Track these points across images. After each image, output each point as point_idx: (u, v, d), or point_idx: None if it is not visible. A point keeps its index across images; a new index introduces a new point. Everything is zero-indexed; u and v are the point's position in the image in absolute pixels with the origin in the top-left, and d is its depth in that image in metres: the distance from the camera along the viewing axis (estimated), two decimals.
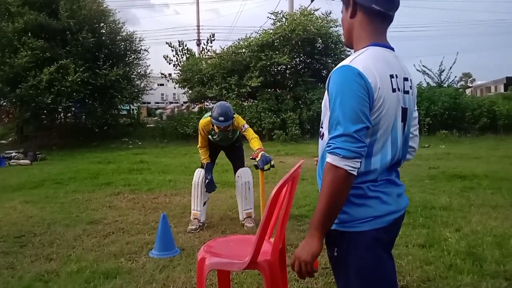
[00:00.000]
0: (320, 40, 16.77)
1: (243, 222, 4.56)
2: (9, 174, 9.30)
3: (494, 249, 3.51)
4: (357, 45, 1.50)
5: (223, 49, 17.58)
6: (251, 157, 4.44)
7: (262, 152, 4.36)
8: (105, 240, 4.18)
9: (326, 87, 1.44)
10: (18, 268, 3.47)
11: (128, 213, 5.26)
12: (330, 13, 17.33)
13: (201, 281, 2.20)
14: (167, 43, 18.73)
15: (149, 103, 34.83)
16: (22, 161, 11.48)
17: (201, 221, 4.50)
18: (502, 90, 27.89)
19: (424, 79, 19.06)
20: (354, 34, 1.51)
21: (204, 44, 19.94)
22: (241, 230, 4.42)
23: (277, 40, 16.14)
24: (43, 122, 16.98)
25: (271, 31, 16.66)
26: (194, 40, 26.08)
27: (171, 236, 3.85)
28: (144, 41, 18.51)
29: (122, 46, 17.74)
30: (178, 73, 18.90)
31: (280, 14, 17.81)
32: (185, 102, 23.20)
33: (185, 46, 19.07)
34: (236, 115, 4.52)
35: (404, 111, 1.47)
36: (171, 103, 41.68)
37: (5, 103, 16.91)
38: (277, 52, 16.05)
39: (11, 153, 12.41)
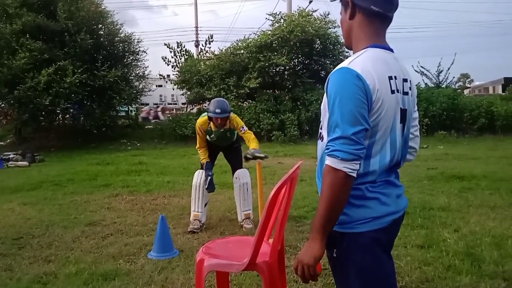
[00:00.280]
0: (319, 41, 16.79)
1: (241, 223, 4.56)
2: (7, 175, 9.28)
3: (493, 250, 3.51)
4: (356, 47, 1.50)
5: (222, 50, 17.60)
6: (244, 154, 4.43)
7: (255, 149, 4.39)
8: (104, 242, 4.17)
9: (325, 89, 1.44)
10: (16, 270, 3.46)
11: (127, 215, 5.26)
12: (328, 14, 17.36)
13: (200, 283, 2.20)
14: (165, 44, 18.73)
15: (148, 104, 34.79)
16: (20, 162, 11.46)
17: (202, 222, 4.50)
18: (500, 91, 27.98)
19: (423, 79, 19.08)
20: (353, 35, 1.51)
21: (203, 46, 19.95)
22: (240, 231, 4.42)
23: (276, 41, 16.15)
24: (41, 123, 16.95)
25: (269, 32, 16.67)
26: (192, 41, 26.10)
27: (169, 238, 3.85)
28: (142, 42, 18.54)
29: (120, 48, 17.71)
30: (176, 74, 18.89)
31: (278, 15, 17.84)
32: (183, 104, 23.18)
33: (184, 47, 19.08)
34: (234, 115, 4.53)
35: (403, 112, 1.47)
36: (169, 104, 41.69)
37: (3, 105, 16.86)
38: (275, 53, 16.06)
39: (9, 154, 12.37)
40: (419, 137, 1.70)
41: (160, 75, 20.08)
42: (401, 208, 1.53)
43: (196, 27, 26.61)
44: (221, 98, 4.54)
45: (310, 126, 16.02)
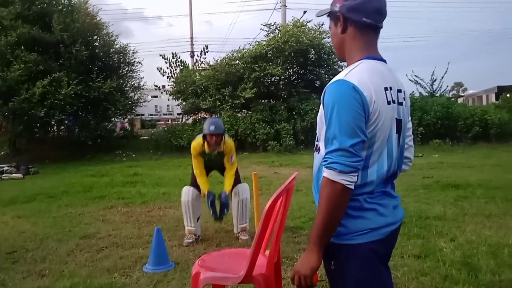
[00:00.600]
0: (313, 51, 16.89)
1: (237, 234, 4.53)
2: (1, 188, 9.20)
3: (489, 259, 3.51)
4: (350, 59, 1.50)
5: (217, 60, 17.67)
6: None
7: (226, 194, 4.41)
8: (98, 255, 4.13)
9: (321, 101, 1.45)
10: (10, 284, 3.41)
11: (122, 227, 5.22)
12: (323, 24, 17.49)
13: None
14: (160, 55, 18.79)
15: (143, 115, 34.74)
16: (14, 175, 11.36)
17: (197, 235, 4.48)
18: (493, 99, 28.20)
19: (417, 88, 19.24)
20: (346, 48, 1.52)
21: (198, 56, 20.03)
22: (236, 243, 4.39)
23: (271, 52, 16.24)
24: (36, 135, 16.88)
25: (264, 42, 16.77)
26: (187, 52, 26.17)
27: (165, 250, 3.81)
28: (137, 53, 18.57)
29: (115, 59, 17.75)
30: (172, 85, 18.92)
31: (273, 25, 17.96)
32: (179, 114, 23.18)
33: (179, 58, 19.14)
34: (230, 140, 4.54)
35: (399, 122, 1.48)
36: (165, 114, 41.65)
37: None
38: (270, 63, 16.14)
39: (3, 167, 12.27)
40: (413, 147, 1.72)
41: (155, 86, 20.11)
42: (398, 219, 1.53)
43: (191, 37, 26.72)
44: (215, 117, 4.56)
45: (306, 136, 16.04)
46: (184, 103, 18.40)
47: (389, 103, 1.43)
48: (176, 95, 18.45)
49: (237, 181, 4.59)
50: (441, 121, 16.42)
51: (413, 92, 18.65)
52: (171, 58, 18.81)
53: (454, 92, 25.00)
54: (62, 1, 16.56)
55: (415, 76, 19.33)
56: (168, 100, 21.93)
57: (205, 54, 19.47)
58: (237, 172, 4.60)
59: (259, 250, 2.02)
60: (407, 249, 3.85)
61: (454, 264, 3.42)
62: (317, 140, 1.51)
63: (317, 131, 1.52)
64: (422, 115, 16.33)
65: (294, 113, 16.51)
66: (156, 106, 45.34)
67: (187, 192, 4.47)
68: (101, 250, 4.29)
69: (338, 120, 1.34)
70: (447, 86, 20.34)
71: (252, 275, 2.00)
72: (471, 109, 17.78)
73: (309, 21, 17.69)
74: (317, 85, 17.57)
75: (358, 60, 1.46)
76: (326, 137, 1.37)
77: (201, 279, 2.14)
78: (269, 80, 17.24)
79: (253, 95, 15.95)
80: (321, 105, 1.45)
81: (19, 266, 3.87)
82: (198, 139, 4.46)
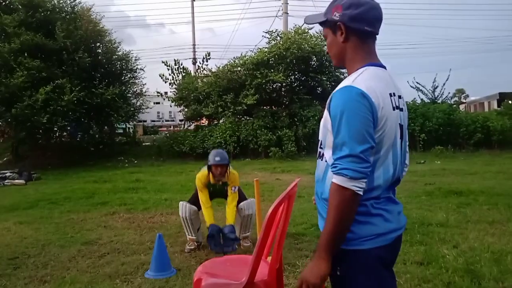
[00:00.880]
0: (315, 58, 16.95)
1: (237, 236, 4.52)
2: (3, 194, 9.21)
3: (492, 266, 3.49)
4: (352, 67, 1.51)
5: (219, 67, 17.72)
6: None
7: (231, 227, 4.26)
8: (100, 261, 4.12)
9: (327, 107, 1.45)
10: None
11: (124, 233, 5.21)
12: None
13: None
14: (163, 62, 18.84)
15: (145, 121, 34.88)
16: (16, 181, 11.38)
17: (199, 242, 4.48)
18: (495, 106, 28.16)
19: (418, 95, 19.25)
20: (347, 56, 1.53)
21: (200, 63, 20.08)
22: (238, 250, 4.38)
23: (272, 59, 16.30)
24: (39, 141, 16.94)
25: (266, 49, 16.84)
26: (190, 59, 26.28)
27: (167, 256, 3.81)
28: (140, 60, 18.74)
29: (118, 65, 17.85)
30: (174, 91, 18.97)
31: (274, 33, 18.04)
32: (181, 120, 23.24)
33: (181, 64, 19.20)
34: (235, 172, 4.54)
35: (401, 128, 1.50)
36: (167, 121, 41.77)
37: (0, 123, 16.87)
38: (272, 70, 16.19)
39: (6, 173, 12.29)
40: (408, 153, 1.72)
41: (157, 92, 20.18)
42: (402, 225, 1.54)
43: (194, 44, 26.85)
44: (219, 149, 4.60)
45: (308, 142, 16.04)
46: (186, 109, 18.46)
47: (394, 108, 1.44)
48: (178, 101, 18.51)
49: (242, 199, 4.59)
50: (443, 127, 16.40)
51: (415, 98, 18.68)
52: (173, 65, 18.89)
53: (456, 98, 25.00)
54: (65, 8, 16.70)
55: (417, 82, 19.37)
56: (170, 106, 22.01)
57: (207, 61, 19.54)
58: (240, 192, 4.59)
59: (261, 257, 2.02)
60: (409, 256, 3.83)
61: (457, 271, 3.41)
62: (321, 147, 1.51)
63: (320, 138, 1.52)
64: (424, 121, 16.33)
65: (296, 119, 16.53)
66: (158, 112, 45.58)
67: (183, 208, 4.45)
68: (103, 256, 4.29)
69: (347, 126, 1.34)
70: (449, 92, 20.36)
71: (254, 281, 1.99)
72: (473, 116, 17.77)
73: (311, 28, 17.75)
74: (318, 91, 17.61)
75: (362, 67, 1.47)
76: (335, 143, 1.37)
77: (203, 286, 2.13)
78: (271, 87, 17.28)
79: (255, 102, 15.99)
80: (326, 112, 1.45)
81: (21, 272, 3.87)
82: (203, 171, 4.46)
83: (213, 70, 18.02)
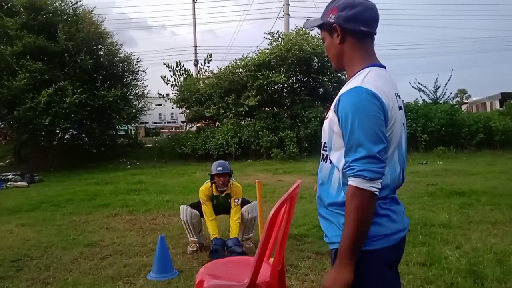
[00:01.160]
0: (316, 59, 16.96)
1: (242, 242, 4.52)
2: (5, 196, 9.23)
3: (495, 267, 3.48)
4: (352, 68, 1.51)
5: (220, 69, 17.76)
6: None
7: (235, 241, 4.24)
8: (103, 263, 4.13)
9: (333, 109, 1.44)
10: None
11: (126, 235, 5.22)
12: None
13: None
14: (164, 63, 18.88)
15: (147, 123, 34.92)
16: (19, 183, 11.41)
17: (201, 243, 4.48)
18: (497, 106, 28.08)
19: (420, 96, 19.23)
20: (346, 58, 1.53)
21: (202, 64, 20.12)
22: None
23: (274, 60, 16.31)
24: (41, 143, 16.97)
25: (267, 51, 16.85)
26: (191, 60, 26.31)
27: (169, 258, 3.81)
28: (141, 62, 18.80)
29: (120, 67, 17.88)
30: (175, 93, 19.01)
31: (276, 34, 18.07)
32: (183, 122, 23.26)
33: (183, 66, 19.24)
34: (237, 184, 4.56)
35: (404, 127, 1.52)
36: (169, 122, 41.83)
37: (2, 125, 16.92)
38: (273, 71, 16.20)
39: (8, 175, 12.32)
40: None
41: (159, 94, 20.22)
42: (406, 226, 1.54)
43: (195, 46, 26.89)
44: (221, 160, 4.63)
45: (309, 143, 16.04)
46: (188, 111, 18.49)
47: (399, 108, 1.46)
48: (180, 103, 18.54)
49: (245, 203, 4.59)
50: (445, 128, 16.38)
51: (416, 99, 18.66)
52: (175, 66, 18.93)
53: (458, 99, 24.98)
54: (67, 11, 16.75)
55: (419, 83, 19.35)
56: (172, 108, 22.00)
57: (208, 63, 19.58)
58: (243, 199, 4.60)
59: (263, 258, 2.02)
60: (412, 257, 3.82)
61: (460, 272, 3.40)
62: (325, 150, 1.50)
63: (324, 140, 1.51)
64: (426, 122, 16.31)
65: (297, 120, 16.53)
66: (160, 114, 45.65)
67: (184, 212, 4.46)
68: (105, 258, 4.29)
69: (362, 127, 1.33)
70: (451, 93, 20.36)
71: (256, 283, 1.99)
72: (475, 116, 17.73)
73: (312, 29, 17.77)
74: (320, 92, 17.61)
75: (364, 68, 1.47)
76: (349, 144, 1.35)
77: (205, 287, 2.13)
78: (272, 88, 17.28)
79: (256, 103, 16.00)
80: (333, 113, 1.44)
81: (23, 274, 3.88)
82: (206, 184, 4.49)
83: (215, 71, 18.06)
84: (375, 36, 1.55)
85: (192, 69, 22.14)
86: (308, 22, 1.68)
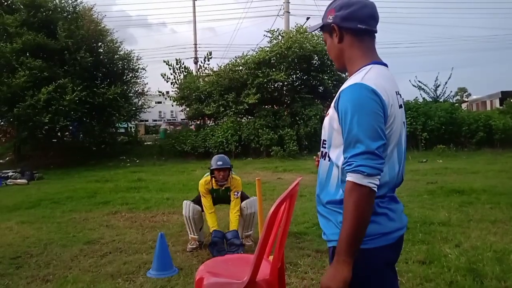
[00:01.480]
0: (316, 57, 16.94)
1: (242, 241, 4.52)
2: (5, 194, 9.23)
3: (495, 265, 3.49)
4: (353, 66, 1.51)
5: (220, 67, 17.74)
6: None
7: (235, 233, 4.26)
8: (102, 260, 4.13)
9: (334, 106, 1.44)
10: None
11: (126, 232, 5.22)
12: None
13: None
14: (164, 61, 18.88)
15: (147, 120, 34.90)
16: (19, 180, 11.42)
17: (201, 241, 4.49)
18: (497, 105, 28.06)
19: (420, 94, 19.22)
20: (346, 56, 1.53)
21: (202, 62, 20.13)
22: None
23: (274, 58, 16.29)
24: (41, 141, 16.96)
25: (267, 48, 16.84)
26: (191, 58, 26.22)
27: (169, 256, 3.81)
28: (141, 59, 18.74)
29: (119, 65, 17.86)
30: (175, 91, 19.00)
31: (276, 32, 18.03)
32: (182, 120, 23.26)
33: (183, 64, 19.23)
34: (237, 177, 4.57)
35: (404, 125, 1.52)
36: (168, 120, 41.81)
37: (2, 123, 16.91)
38: (273, 69, 16.18)
39: (8, 172, 12.33)
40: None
41: (159, 91, 20.22)
42: (405, 224, 1.55)
43: (195, 44, 26.80)
44: (221, 154, 4.63)
45: (309, 141, 16.04)
46: (188, 108, 18.48)
47: (400, 106, 1.46)
48: (180, 101, 18.53)
49: (244, 198, 4.60)
50: (445, 126, 16.37)
51: (416, 97, 18.64)
52: (175, 64, 18.92)
53: (458, 97, 24.91)
54: (67, 8, 16.73)
55: (419, 81, 19.33)
56: (172, 106, 22.02)
57: (208, 60, 19.58)
58: (243, 193, 4.61)
59: (263, 256, 2.02)
60: (411, 255, 3.83)
61: (459, 270, 3.40)
62: (324, 147, 1.50)
63: (323, 138, 1.51)
64: (426, 120, 16.30)
65: (297, 118, 16.52)
66: (160, 112, 45.52)
67: (186, 207, 4.47)
68: (105, 256, 4.30)
69: (361, 123, 1.33)
70: (451, 91, 20.34)
71: (255, 280, 1.99)
72: (475, 115, 17.73)
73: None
74: (320, 90, 17.60)
75: (365, 65, 1.47)
76: (348, 140, 1.35)
77: (204, 285, 2.13)
78: (272, 86, 17.27)
79: (256, 101, 15.99)
80: (333, 110, 1.44)
81: (23, 271, 3.88)
82: (206, 177, 4.49)
83: (215, 69, 18.04)
84: (376, 34, 1.55)
85: (192, 67, 22.12)
86: (312, 26, 1.72)
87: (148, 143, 20.41)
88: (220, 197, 4.54)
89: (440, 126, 16.29)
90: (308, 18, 20.23)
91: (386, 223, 1.42)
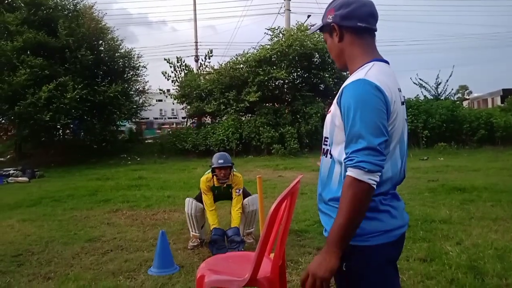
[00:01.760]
0: (317, 55, 16.93)
1: (242, 238, 4.53)
2: (6, 192, 9.25)
3: (496, 263, 3.48)
4: (354, 64, 1.51)
5: (221, 64, 17.71)
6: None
7: (236, 230, 4.26)
8: (104, 258, 4.14)
9: (336, 102, 1.44)
10: (16, 287, 3.42)
11: (127, 230, 5.23)
12: None
13: None
14: (165, 59, 18.84)
15: (148, 118, 34.92)
16: (20, 178, 11.44)
17: (202, 239, 4.49)
18: (498, 102, 28.04)
19: (421, 92, 19.18)
20: (346, 55, 1.54)
21: (202, 60, 20.08)
22: None
23: (275, 55, 16.28)
24: (42, 139, 16.98)
25: (268, 46, 16.82)
26: (192, 56, 26.19)
27: (170, 253, 3.82)
28: (142, 57, 18.70)
29: (120, 63, 17.87)
30: (176, 89, 18.98)
31: (277, 30, 18.02)
32: (183, 118, 23.26)
33: (183, 62, 19.20)
34: (238, 174, 4.56)
35: (405, 122, 1.52)
36: (169, 118, 41.84)
37: (3, 121, 16.93)
38: (274, 67, 16.17)
39: (9, 170, 12.35)
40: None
41: (160, 89, 20.21)
42: (406, 222, 1.54)
43: (196, 42, 26.76)
44: (222, 152, 4.60)
45: (310, 139, 16.04)
46: (188, 106, 18.47)
47: (402, 103, 1.46)
48: (181, 99, 18.52)
49: (246, 195, 4.60)
50: (446, 124, 16.36)
51: (418, 95, 18.63)
52: (175, 62, 18.89)
53: (459, 95, 24.83)
54: (68, 6, 16.73)
55: (420, 79, 19.30)
56: (173, 104, 21.96)
57: (209, 58, 19.54)
58: (244, 190, 4.61)
59: (264, 253, 2.02)
60: (412, 253, 3.83)
61: (460, 268, 3.40)
62: (326, 144, 1.50)
63: (325, 135, 1.51)
64: (427, 118, 16.29)
65: (298, 116, 16.51)
66: (161, 110, 45.65)
67: (189, 205, 4.47)
68: (106, 253, 4.30)
69: (363, 119, 1.32)
70: (452, 89, 20.29)
71: (256, 278, 1.99)
72: (477, 112, 17.71)
73: (313, 25, 17.70)
74: (321, 88, 17.58)
75: (367, 63, 1.46)
76: (350, 136, 1.35)
77: (205, 282, 2.13)
78: (273, 84, 17.26)
79: (257, 99, 15.98)
80: (335, 107, 1.44)
81: (24, 269, 3.89)
82: (207, 174, 4.48)
83: (216, 67, 18.02)
84: (376, 32, 1.55)
85: (193, 65, 22.13)
86: (312, 28, 1.73)
87: (149, 141, 20.42)
88: (222, 194, 4.54)
89: (441, 124, 16.28)
90: (309, 16, 20.21)
91: (388, 221, 1.42)
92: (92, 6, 17.07)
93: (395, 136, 1.42)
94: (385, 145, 1.35)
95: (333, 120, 1.45)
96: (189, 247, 4.37)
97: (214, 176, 4.41)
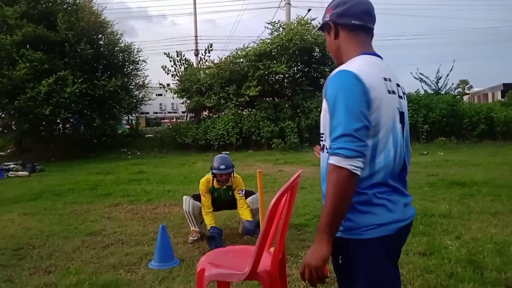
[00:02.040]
0: (318, 49, 16.88)
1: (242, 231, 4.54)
2: (7, 186, 9.27)
3: (495, 257, 3.49)
4: (347, 59, 1.53)
5: (221, 59, 17.69)
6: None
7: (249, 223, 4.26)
8: (104, 252, 4.15)
9: (323, 95, 1.47)
10: (17, 281, 3.44)
11: (127, 224, 5.24)
12: None
13: None
14: (165, 53, 18.81)
15: (148, 113, 34.91)
16: (20, 172, 11.45)
17: (202, 233, 4.50)
18: (499, 97, 28.01)
19: (422, 86, 19.15)
20: (342, 51, 1.58)
21: (202, 54, 20.04)
22: (241, 240, 4.40)
23: (275, 50, 16.24)
24: (42, 133, 17.00)
25: (268, 40, 16.77)
26: (192, 50, 26.13)
27: (170, 247, 3.83)
28: (142, 52, 18.68)
29: (120, 57, 17.83)
30: (176, 83, 18.96)
31: (277, 24, 17.96)
32: (183, 112, 23.24)
33: (183, 56, 19.16)
34: (238, 176, 4.54)
35: (401, 114, 1.51)
36: (169, 112, 41.82)
37: (3, 115, 16.93)
38: (274, 61, 16.14)
39: (10, 165, 12.37)
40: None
41: (160, 84, 20.18)
42: (408, 217, 1.53)
43: (196, 36, 26.69)
44: (223, 155, 4.57)
45: (310, 134, 16.04)
46: (188, 101, 18.46)
47: (389, 92, 1.46)
48: (181, 93, 18.50)
49: (249, 193, 4.59)
50: (446, 118, 16.35)
51: (418, 90, 18.59)
52: (175, 56, 18.86)
53: (460, 89, 24.79)
54: (67, 0, 16.63)
55: (420, 74, 19.26)
56: (173, 98, 21.98)
57: (209, 53, 19.50)
58: (247, 190, 4.60)
59: (264, 247, 2.02)
60: (412, 247, 3.84)
61: (460, 262, 3.41)
62: (322, 140, 1.51)
63: (321, 131, 1.52)
64: (427, 113, 16.27)
65: (298, 111, 16.50)
66: (161, 104, 45.60)
67: (187, 203, 4.46)
68: (106, 247, 4.32)
69: (341, 108, 1.35)
70: (452, 83, 20.30)
71: (257, 272, 2.00)
72: (477, 107, 17.69)
73: (314, 19, 17.64)
74: (321, 83, 17.53)
75: (356, 56, 1.50)
76: (332, 126, 1.38)
77: (206, 276, 2.14)
78: (273, 78, 17.24)
79: (257, 93, 15.96)
80: (325, 101, 1.46)
81: (25, 262, 3.90)
82: (207, 176, 4.46)
83: (216, 61, 18.00)
84: (373, 31, 1.59)
85: (193, 59, 22.08)
86: (317, 27, 1.76)
87: (149, 135, 20.42)
88: (222, 197, 4.50)
89: (442, 119, 16.27)
90: (309, 10, 20.16)
91: (383, 214, 1.42)
92: (92, 0, 17.02)
93: (383, 124, 1.42)
94: (365, 131, 1.36)
95: (325, 115, 1.47)
96: (189, 241, 4.38)
97: (214, 179, 4.40)
